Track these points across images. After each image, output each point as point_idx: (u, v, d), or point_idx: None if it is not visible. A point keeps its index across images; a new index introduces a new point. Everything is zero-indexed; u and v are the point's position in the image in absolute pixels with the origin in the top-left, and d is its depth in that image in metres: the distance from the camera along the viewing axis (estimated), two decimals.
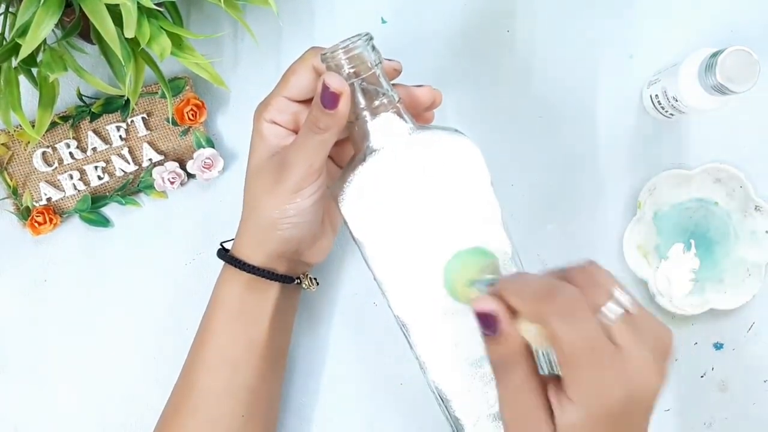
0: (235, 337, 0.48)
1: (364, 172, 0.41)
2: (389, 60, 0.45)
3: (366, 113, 0.42)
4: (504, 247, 0.43)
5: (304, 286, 0.51)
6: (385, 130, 0.42)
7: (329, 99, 0.40)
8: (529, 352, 0.36)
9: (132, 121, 0.57)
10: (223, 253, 0.49)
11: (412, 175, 0.41)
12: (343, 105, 0.41)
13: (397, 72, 0.46)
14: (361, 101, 0.42)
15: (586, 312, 0.34)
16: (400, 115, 0.42)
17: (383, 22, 0.59)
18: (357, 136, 0.43)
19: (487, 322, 0.36)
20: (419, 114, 0.47)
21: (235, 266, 0.47)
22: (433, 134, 0.43)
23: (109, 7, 0.42)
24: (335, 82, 0.40)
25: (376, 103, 0.42)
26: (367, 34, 0.42)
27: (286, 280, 0.49)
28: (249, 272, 0.47)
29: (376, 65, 0.42)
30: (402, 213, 0.41)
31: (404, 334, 0.44)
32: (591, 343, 0.34)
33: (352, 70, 0.41)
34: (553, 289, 0.35)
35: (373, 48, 0.42)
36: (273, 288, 0.49)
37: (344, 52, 0.41)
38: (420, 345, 0.43)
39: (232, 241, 0.49)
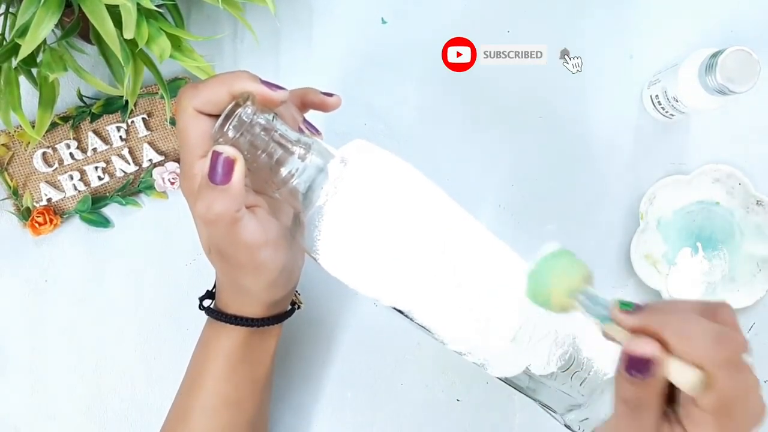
0: (241, 381, 0.46)
1: (325, 234, 0.37)
2: (273, 88, 0.39)
3: (290, 177, 0.38)
4: (465, 219, 0.40)
5: (297, 308, 0.50)
6: (318, 180, 0.37)
7: (221, 176, 0.37)
8: (664, 392, 0.34)
9: (132, 122, 0.57)
10: (225, 316, 0.45)
11: (371, 209, 0.37)
12: (237, 177, 0.37)
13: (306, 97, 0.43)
14: (281, 172, 0.37)
15: (746, 362, 0.33)
16: (321, 155, 0.38)
17: (383, 22, 0.59)
18: (292, 200, 0.38)
19: (639, 364, 0.33)
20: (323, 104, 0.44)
21: (243, 325, 0.45)
22: (355, 157, 0.38)
23: (108, 7, 0.42)
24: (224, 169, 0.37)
25: (293, 161, 0.37)
26: (246, 101, 0.37)
27: (290, 313, 0.48)
28: (259, 326, 0.45)
29: (273, 131, 0.37)
30: (388, 245, 0.37)
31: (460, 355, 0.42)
32: (748, 393, 0.33)
33: (253, 150, 0.37)
34: (722, 336, 0.33)
35: (255, 113, 0.37)
36: (277, 327, 0.47)
37: (234, 130, 0.36)
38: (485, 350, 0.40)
39: (216, 294, 0.46)
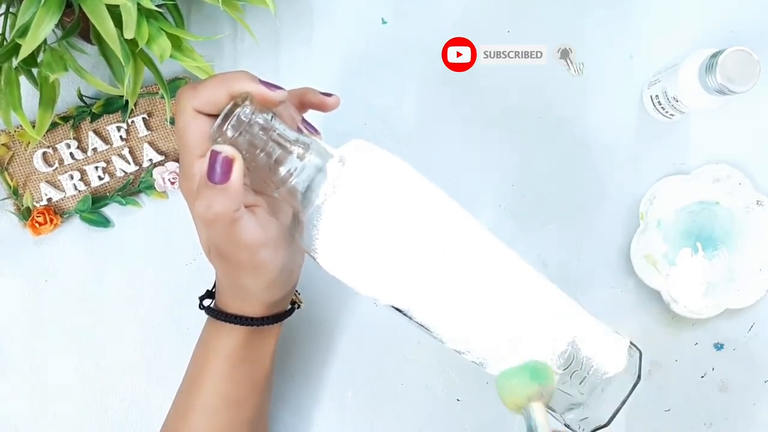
0: (241, 380, 0.47)
1: (324, 233, 0.37)
2: (271, 88, 0.39)
3: (288, 176, 0.37)
4: (468, 222, 0.40)
5: (297, 307, 0.50)
6: (317, 179, 0.37)
7: (220, 175, 0.37)
8: None
9: (132, 122, 0.57)
10: (225, 315, 0.45)
11: (370, 208, 0.37)
12: (236, 176, 0.37)
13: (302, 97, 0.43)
14: (280, 171, 0.37)
15: None
16: (320, 155, 0.38)
17: (383, 22, 0.59)
18: (291, 199, 0.38)
19: None
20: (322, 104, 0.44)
21: (243, 324, 0.45)
22: (353, 156, 0.38)
23: (109, 7, 0.42)
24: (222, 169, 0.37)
25: (292, 160, 0.37)
26: (244, 101, 0.37)
27: (290, 312, 0.48)
28: (258, 325, 0.45)
29: (271, 131, 0.37)
30: (387, 244, 0.37)
31: (459, 354, 0.42)
32: None
33: (252, 149, 0.37)
34: None
35: (253, 113, 0.37)
36: (276, 326, 0.47)
37: (232, 130, 0.36)
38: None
39: (216, 294, 0.46)
